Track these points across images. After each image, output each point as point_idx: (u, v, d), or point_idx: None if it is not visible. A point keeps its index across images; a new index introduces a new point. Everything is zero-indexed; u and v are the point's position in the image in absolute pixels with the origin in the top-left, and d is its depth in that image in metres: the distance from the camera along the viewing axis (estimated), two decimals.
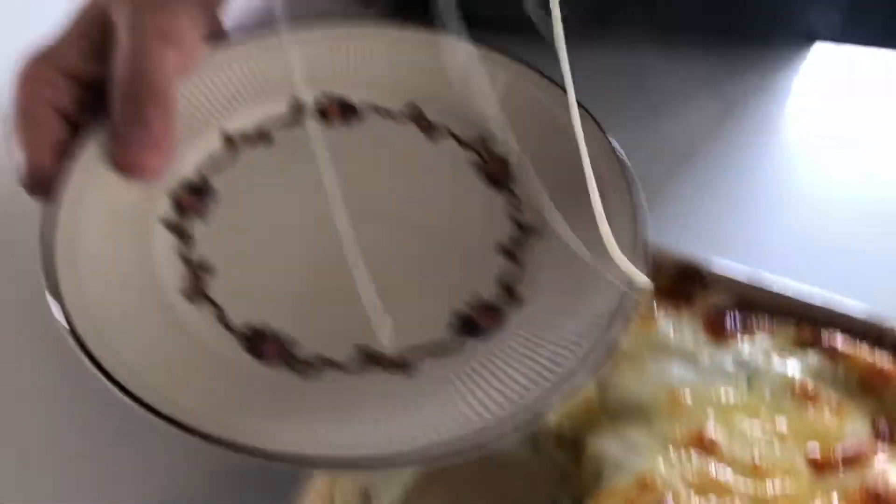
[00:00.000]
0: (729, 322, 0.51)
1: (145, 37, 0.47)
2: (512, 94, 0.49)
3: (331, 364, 0.40)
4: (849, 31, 0.87)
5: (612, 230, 0.41)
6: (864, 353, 0.49)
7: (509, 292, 0.43)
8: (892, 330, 0.49)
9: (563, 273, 0.43)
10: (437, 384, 0.39)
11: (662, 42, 0.67)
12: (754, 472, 0.44)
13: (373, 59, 0.51)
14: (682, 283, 0.53)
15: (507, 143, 0.49)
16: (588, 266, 0.41)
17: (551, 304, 0.42)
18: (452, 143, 0.50)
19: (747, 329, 0.51)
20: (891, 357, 0.48)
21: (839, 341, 0.49)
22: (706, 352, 0.50)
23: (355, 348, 0.40)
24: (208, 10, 0.52)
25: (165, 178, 0.46)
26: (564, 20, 0.47)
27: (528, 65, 0.51)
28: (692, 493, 0.43)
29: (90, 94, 0.48)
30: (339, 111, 0.51)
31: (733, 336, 0.50)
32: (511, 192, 0.48)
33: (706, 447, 0.45)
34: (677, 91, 0.68)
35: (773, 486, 0.43)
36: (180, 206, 0.46)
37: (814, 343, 0.50)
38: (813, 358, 0.49)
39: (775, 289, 0.52)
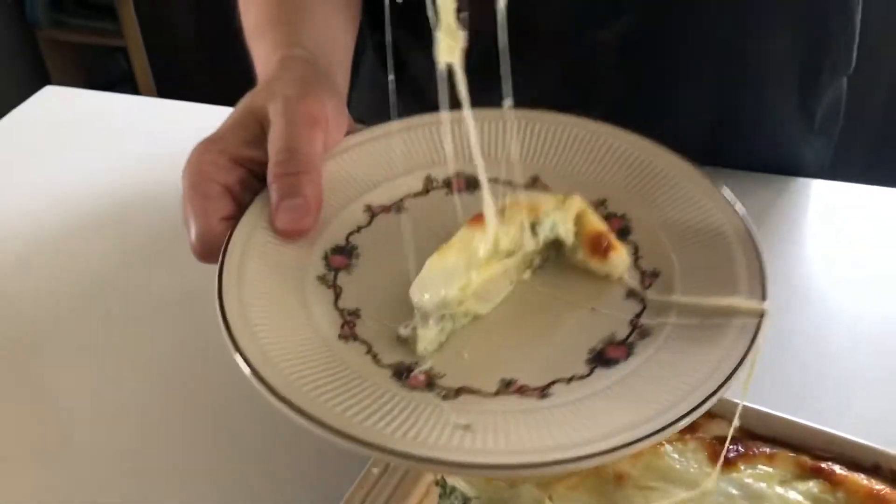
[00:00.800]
0: (732, 451, 0.53)
1: (297, 122, 0.55)
2: (627, 158, 0.57)
3: (473, 392, 0.45)
4: (833, 168, 0.93)
5: (736, 268, 0.48)
6: (863, 479, 0.51)
7: (640, 332, 0.48)
8: (888, 457, 0.52)
9: (682, 321, 0.48)
10: (569, 403, 0.44)
11: None
12: None
13: (503, 139, 0.58)
14: None
15: (626, 202, 0.55)
16: (708, 303, 0.47)
17: (670, 344, 0.47)
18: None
19: (750, 458, 0.53)
20: (888, 484, 0.51)
21: (838, 469, 0.51)
22: (710, 480, 0.52)
23: (500, 382, 0.46)
24: (343, 101, 0.61)
25: (319, 244, 0.54)
26: None
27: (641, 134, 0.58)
28: None
29: (249, 176, 0.56)
30: (465, 183, 0.56)
31: (736, 465, 0.53)
32: (632, 242, 0.53)
33: None
34: None
35: None
36: (329, 265, 0.53)
37: (813, 471, 0.52)
38: (813, 486, 0.51)
39: (776, 421, 0.54)
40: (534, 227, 0.50)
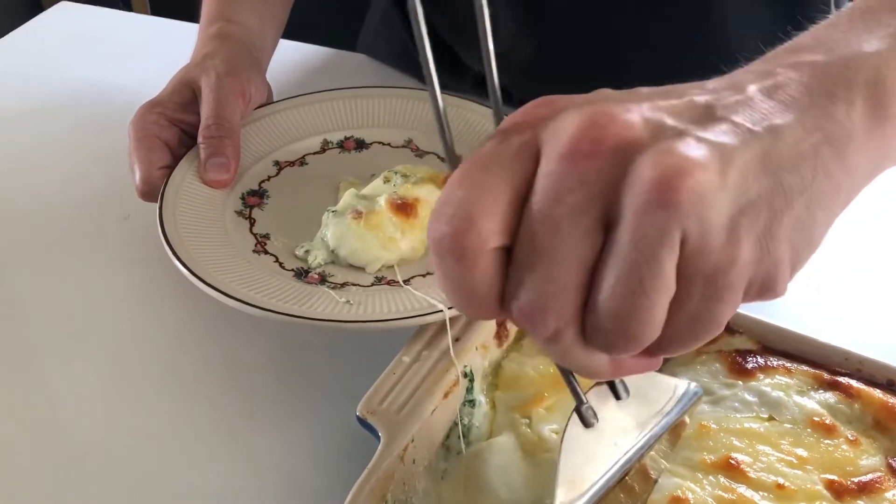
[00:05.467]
0: (751, 362, 0.55)
1: (224, 94, 0.69)
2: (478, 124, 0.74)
3: (353, 284, 0.61)
4: None
5: None
6: (878, 394, 0.52)
7: None
8: None
9: None
10: (422, 287, 0.59)
11: None
12: (779, 493, 0.47)
13: (383, 110, 0.77)
14: None
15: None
16: None
17: None
18: (434, 158, 0.73)
19: (768, 370, 0.54)
20: None
21: (854, 383, 0.53)
22: (729, 388, 0.54)
23: (374, 279, 0.61)
24: (262, 76, 0.77)
25: (237, 188, 0.69)
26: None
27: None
28: None
29: (183, 134, 0.70)
30: (354, 144, 0.75)
31: (755, 375, 0.54)
32: None
33: (733, 471, 0.49)
34: None
35: None
36: (246, 203, 0.69)
37: (831, 384, 0.53)
38: (830, 396, 0.53)
39: (794, 337, 0.56)
40: None
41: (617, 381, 0.42)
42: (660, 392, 0.46)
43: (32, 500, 0.54)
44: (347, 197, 0.65)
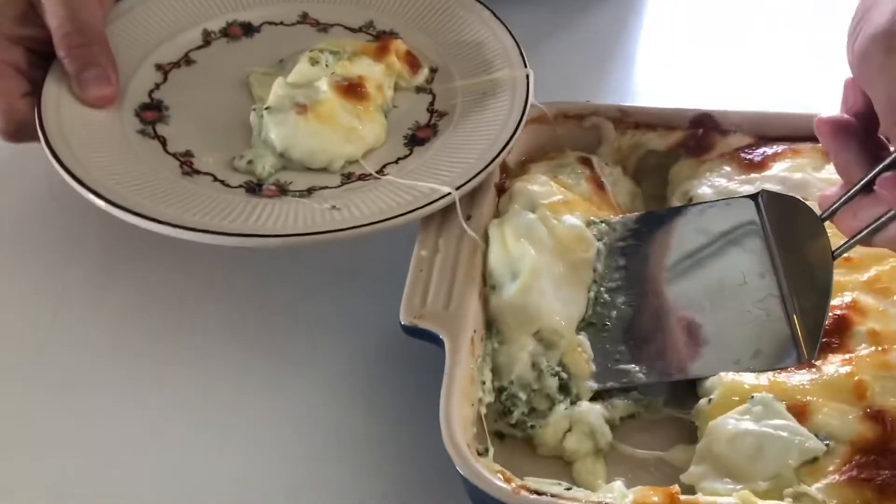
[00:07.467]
0: (757, 155, 0.53)
1: None
2: None
3: (322, 188, 0.53)
4: None
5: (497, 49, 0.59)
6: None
7: (438, 114, 0.58)
8: None
9: (468, 98, 0.58)
10: (402, 176, 0.53)
11: None
12: (847, 264, 0.47)
13: None
14: (700, 134, 0.55)
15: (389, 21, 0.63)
16: (484, 89, 0.58)
17: (465, 114, 0.57)
18: (341, 29, 0.63)
19: (776, 157, 0.53)
20: None
21: None
22: (749, 183, 0.52)
23: (342, 177, 0.54)
24: None
25: (125, 105, 0.57)
26: None
27: None
28: None
29: (29, 53, 0.56)
30: (241, 30, 0.63)
31: (767, 165, 0.53)
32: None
33: None
34: None
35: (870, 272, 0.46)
36: (144, 120, 0.57)
37: None
38: None
39: (787, 119, 0.54)
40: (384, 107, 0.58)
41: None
42: None
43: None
44: (278, 88, 0.55)
